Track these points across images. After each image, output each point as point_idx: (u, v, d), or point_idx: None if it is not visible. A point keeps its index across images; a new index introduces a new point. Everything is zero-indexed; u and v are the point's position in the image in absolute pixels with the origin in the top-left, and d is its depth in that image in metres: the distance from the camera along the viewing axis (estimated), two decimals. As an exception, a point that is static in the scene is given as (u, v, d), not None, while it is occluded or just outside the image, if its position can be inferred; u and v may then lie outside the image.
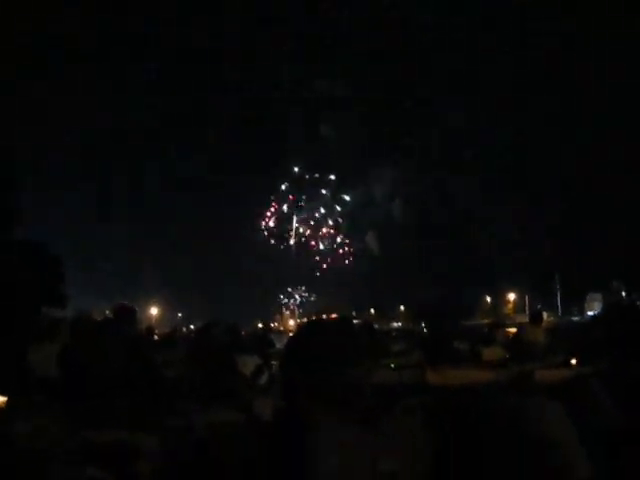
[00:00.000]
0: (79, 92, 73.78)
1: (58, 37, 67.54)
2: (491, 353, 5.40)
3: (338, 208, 78.28)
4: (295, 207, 78.21)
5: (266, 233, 77.54)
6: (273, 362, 7.10)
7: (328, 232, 78.72)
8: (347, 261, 78.13)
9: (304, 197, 78.26)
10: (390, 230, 74.86)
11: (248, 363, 5.36)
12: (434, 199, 75.69)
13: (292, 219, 78.46)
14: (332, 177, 77.14)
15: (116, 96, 78.12)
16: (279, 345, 9.70)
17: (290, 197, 77.95)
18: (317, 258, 78.81)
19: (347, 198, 77.71)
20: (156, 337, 12.13)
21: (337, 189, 77.78)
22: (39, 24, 61.10)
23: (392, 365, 5.42)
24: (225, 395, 4.36)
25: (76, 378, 3.74)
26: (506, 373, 4.39)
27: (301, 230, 78.53)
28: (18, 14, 55.02)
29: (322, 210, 78.36)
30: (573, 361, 4.76)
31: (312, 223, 78.77)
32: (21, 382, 4.36)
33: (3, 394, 3.45)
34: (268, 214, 77.44)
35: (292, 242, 78.13)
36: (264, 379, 5.11)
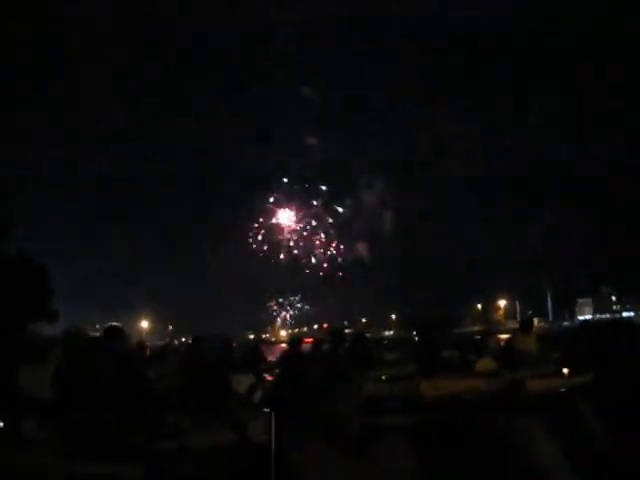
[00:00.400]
0: (78, 93, 73.62)
1: (58, 37, 67.59)
2: (483, 364, 5.43)
3: (330, 220, 78.39)
4: (286, 219, 78.31)
5: (254, 246, 77.51)
6: (265, 375, 7.10)
7: (320, 243, 78.76)
8: (341, 272, 78.18)
9: (294, 209, 78.42)
10: (382, 239, 75.05)
11: (242, 382, 5.43)
12: (426, 204, 75.86)
13: (282, 230, 78.48)
14: (323, 188, 77.35)
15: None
16: (270, 358, 9.70)
17: (281, 209, 78.08)
18: (308, 270, 78.82)
19: (340, 209, 77.90)
20: (148, 351, 12.08)
21: (329, 200, 77.97)
22: (39, 24, 60.94)
23: (383, 377, 5.43)
24: (219, 411, 4.38)
25: (66, 392, 3.77)
26: (498, 382, 4.40)
27: (292, 243, 78.51)
28: (18, 14, 54.88)
29: (313, 222, 78.43)
30: (565, 370, 4.77)
31: (305, 234, 78.80)
32: (12, 405, 4.34)
33: None
34: (256, 225, 77.44)
35: (282, 255, 78.03)
36: (258, 396, 5.14)
